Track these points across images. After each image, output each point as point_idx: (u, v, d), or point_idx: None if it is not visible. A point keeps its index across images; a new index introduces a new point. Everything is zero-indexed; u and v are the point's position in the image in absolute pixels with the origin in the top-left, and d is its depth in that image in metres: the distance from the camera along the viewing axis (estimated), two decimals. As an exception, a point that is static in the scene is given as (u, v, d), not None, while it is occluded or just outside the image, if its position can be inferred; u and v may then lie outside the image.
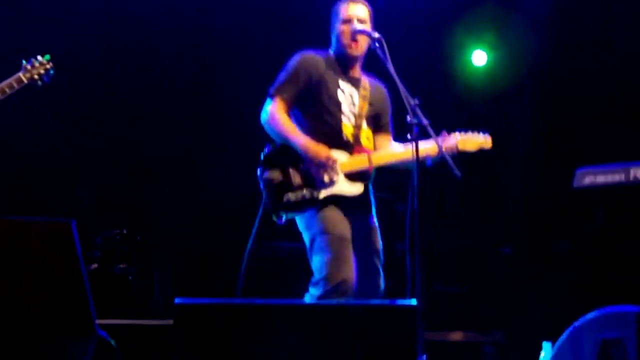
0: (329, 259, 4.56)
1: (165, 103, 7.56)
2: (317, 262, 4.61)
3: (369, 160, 4.74)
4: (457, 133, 4.82)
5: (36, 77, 5.20)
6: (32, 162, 7.12)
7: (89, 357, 3.52)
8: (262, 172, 4.71)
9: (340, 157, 4.70)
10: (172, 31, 7.52)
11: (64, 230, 3.57)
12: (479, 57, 8.00)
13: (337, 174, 4.65)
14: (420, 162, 4.34)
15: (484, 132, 4.89)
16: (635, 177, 4.92)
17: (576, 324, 4.48)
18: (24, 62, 5.21)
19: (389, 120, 4.99)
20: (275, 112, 4.72)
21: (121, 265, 6.35)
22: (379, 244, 4.79)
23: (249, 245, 4.88)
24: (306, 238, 4.72)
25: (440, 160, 4.51)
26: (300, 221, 4.74)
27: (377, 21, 4.88)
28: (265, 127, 4.77)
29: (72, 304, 3.51)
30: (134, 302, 6.36)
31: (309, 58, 4.84)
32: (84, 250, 3.62)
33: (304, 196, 4.63)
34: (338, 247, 4.57)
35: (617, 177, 5.07)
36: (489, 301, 7.05)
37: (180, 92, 7.63)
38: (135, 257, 6.46)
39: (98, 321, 3.51)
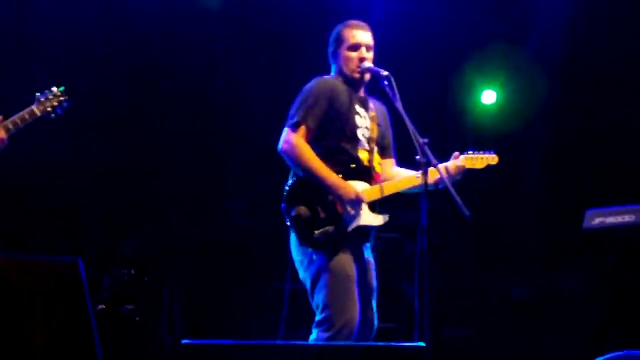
0: (333, 297, 4.45)
1: (176, 138, 7.56)
2: (320, 299, 4.50)
3: (381, 190, 4.60)
4: (464, 153, 4.78)
5: (49, 109, 4.99)
6: (39, 197, 7.06)
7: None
8: (288, 209, 4.54)
9: (360, 187, 4.56)
10: (184, 63, 7.51)
11: (71, 270, 3.50)
12: (489, 97, 8.01)
13: (361, 207, 4.53)
14: (431, 188, 4.30)
15: (489, 151, 4.84)
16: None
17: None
18: (37, 94, 4.99)
19: (392, 140, 4.88)
20: (298, 144, 4.53)
21: (128, 306, 6.27)
22: (374, 279, 4.67)
23: (287, 286, 4.78)
24: (307, 275, 4.56)
25: (452, 181, 4.50)
26: (301, 258, 4.59)
27: (387, 60, 4.77)
28: (287, 158, 4.58)
29: (79, 346, 3.46)
30: (141, 343, 6.28)
31: (329, 84, 4.67)
32: (90, 290, 3.57)
33: (330, 232, 4.49)
34: (342, 286, 4.46)
35: (627, 218, 5.03)
36: (498, 344, 6.97)
37: (190, 133, 7.64)
38: (143, 298, 6.39)
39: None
